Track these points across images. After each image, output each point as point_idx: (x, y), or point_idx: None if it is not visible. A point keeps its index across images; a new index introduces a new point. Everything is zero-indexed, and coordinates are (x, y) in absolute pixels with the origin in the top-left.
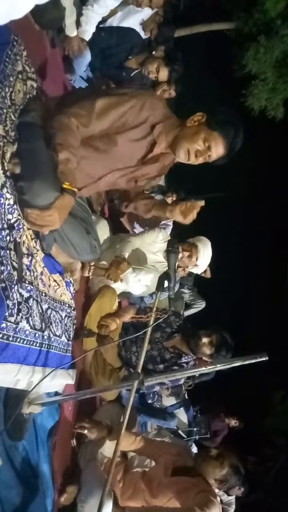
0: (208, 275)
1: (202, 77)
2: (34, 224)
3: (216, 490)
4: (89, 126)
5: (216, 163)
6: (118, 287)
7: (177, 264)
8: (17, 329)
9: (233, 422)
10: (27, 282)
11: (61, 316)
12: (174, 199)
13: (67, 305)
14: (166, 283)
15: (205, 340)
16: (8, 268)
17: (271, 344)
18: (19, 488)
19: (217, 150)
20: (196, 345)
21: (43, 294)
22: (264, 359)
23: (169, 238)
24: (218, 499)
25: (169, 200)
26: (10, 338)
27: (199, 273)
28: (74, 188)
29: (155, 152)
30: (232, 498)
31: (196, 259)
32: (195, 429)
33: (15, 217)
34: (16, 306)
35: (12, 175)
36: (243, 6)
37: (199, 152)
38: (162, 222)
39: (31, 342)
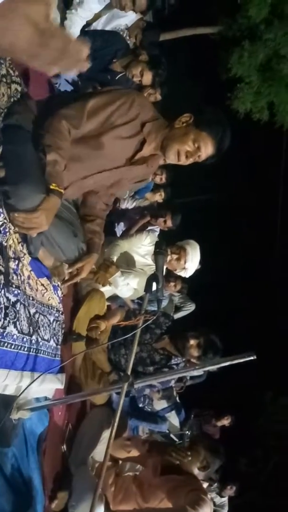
0: None
1: (188, 81)
2: (21, 227)
3: (205, 485)
4: (80, 128)
5: (204, 163)
6: (107, 290)
7: (165, 266)
8: (4, 334)
9: (225, 421)
10: (14, 286)
11: (49, 320)
12: (162, 196)
13: (55, 309)
14: (154, 285)
15: (192, 342)
16: None
17: (261, 345)
18: (9, 495)
19: (207, 150)
20: (184, 347)
21: (31, 298)
22: (251, 358)
23: (157, 240)
24: (209, 496)
25: (157, 196)
26: None
27: (187, 276)
28: (61, 190)
29: (144, 152)
30: (224, 500)
31: (185, 262)
32: (187, 432)
33: (0, 221)
34: (3, 311)
35: None
36: (227, 11)
37: (189, 153)
38: (149, 228)
39: (19, 347)
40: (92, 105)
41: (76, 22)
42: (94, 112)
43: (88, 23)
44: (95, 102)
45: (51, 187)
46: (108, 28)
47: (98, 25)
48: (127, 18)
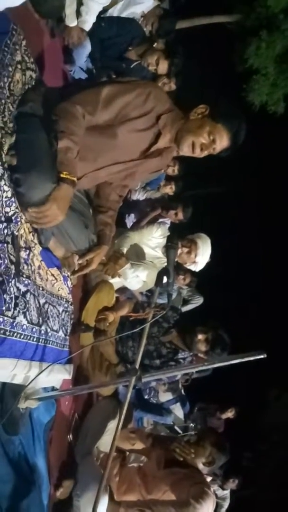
0: None
1: (203, 71)
2: (37, 223)
3: (208, 479)
4: (95, 115)
5: (219, 155)
6: (116, 282)
7: (176, 260)
8: (14, 324)
9: (230, 414)
10: (24, 276)
11: (58, 310)
12: (173, 189)
13: (64, 299)
14: (165, 279)
15: (200, 336)
16: (6, 261)
17: (268, 341)
18: (15, 482)
19: (222, 142)
20: (192, 341)
21: (41, 289)
22: (261, 356)
23: (168, 233)
24: (212, 490)
25: (167, 189)
26: (7, 333)
27: (197, 270)
28: (73, 178)
29: (160, 144)
30: (226, 493)
31: (195, 256)
32: (191, 424)
33: (12, 210)
34: (13, 301)
35: (10, 167)
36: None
37: (204, 145)
38: (160, 220)
39: (28, 337)
40: (107, 92)
41: (92, 8)
42: (109, 100)
43: (105, 9)
44: (110, 90)
45: (62, 175)
46: (124, 14)
47: (114, 12)
48: (144, 5)
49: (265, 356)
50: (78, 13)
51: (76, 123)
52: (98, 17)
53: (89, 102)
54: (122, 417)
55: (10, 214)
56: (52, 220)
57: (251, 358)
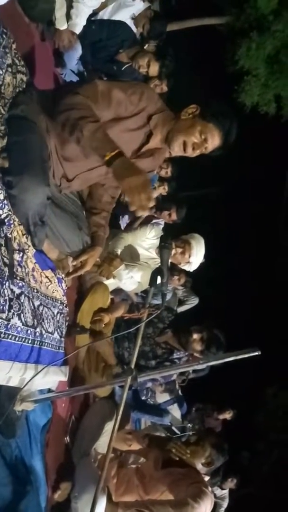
0: None
1: (194, 73)
2: (143, 203)
3: (206, 478)
4: (96, 104)
5: (211, 155)
6: (111, 283)
7: (170, 260)
8: (8, 326)
9: (227, 415)
10: (18, 278)
11: (53, 312)
12: (166, 190)
13: (59, 301)
14: (159, 279)
15: (196, 336)
16: None
17: (264, 339)
18: (13, 485)
19: (213, 141)
20: (187, 341)
21: (35, 291)
22: (256, 353)
23: (162, 234)
24: (210, 489)
25: (160, 189)
26: (2, 335)
27: (191, 270)
28: (115, 151)
29: (151, 145)
30: (225, 492)
31: (189, 256)
32: (189, 425)
33: (5, 213)
34: (8, 303)
35: (1, 169)
36: (235, 1)
37: (196, 144)
38: (154, 221)
39: (23, 339)
40: (103, 88)
41: (82, 11)
42: (106, 93)
43: (95, 12)
44: (105, 85)
45: (106, 158)
46: (114, 17)
47: (104, 15)
48: (134, 8)
49: (259, 353)
50: (68, 16)
51: (87, 108)
52: (89, 20)
53: (90, 94)
54: (119, 418)
55: (3, 216)
56: (145, 188)
57: (246, 356)
